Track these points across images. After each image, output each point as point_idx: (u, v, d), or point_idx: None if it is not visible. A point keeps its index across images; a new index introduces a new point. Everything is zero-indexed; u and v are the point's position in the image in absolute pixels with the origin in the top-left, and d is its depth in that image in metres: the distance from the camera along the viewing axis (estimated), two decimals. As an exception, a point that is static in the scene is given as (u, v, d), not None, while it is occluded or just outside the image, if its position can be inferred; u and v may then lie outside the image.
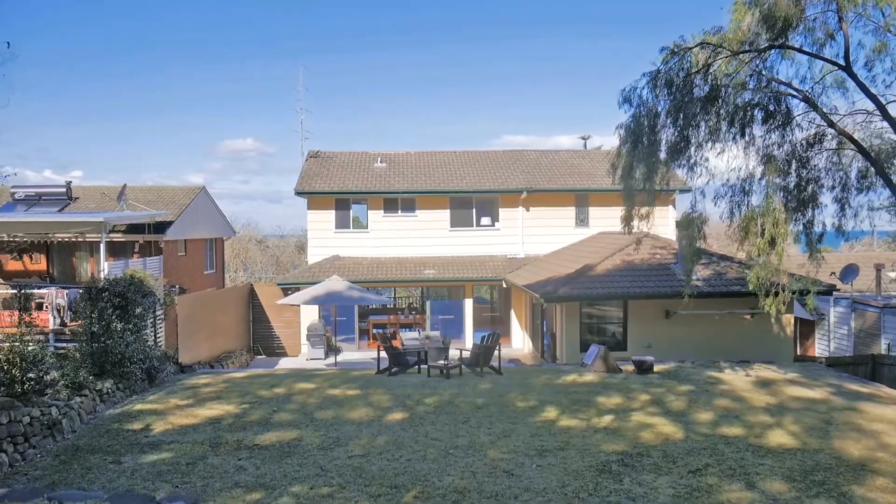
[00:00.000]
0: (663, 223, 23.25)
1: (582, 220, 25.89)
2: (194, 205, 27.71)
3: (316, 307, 23.81)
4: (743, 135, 11.84)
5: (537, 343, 22.65)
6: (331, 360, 22.60)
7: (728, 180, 12.38)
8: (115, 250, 24.53)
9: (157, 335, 16.46)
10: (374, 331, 26.39)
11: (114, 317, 12.80)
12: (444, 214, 25.32)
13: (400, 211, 25.27)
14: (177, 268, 25.54)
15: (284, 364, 22.07)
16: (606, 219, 25.55)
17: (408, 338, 21.55)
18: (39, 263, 24.75)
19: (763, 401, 12.49)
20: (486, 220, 25.69)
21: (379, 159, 27.45)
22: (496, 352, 15.48)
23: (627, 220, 15.48)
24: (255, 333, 24.18)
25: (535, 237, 25.45)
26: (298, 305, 23.93)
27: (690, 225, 14.00)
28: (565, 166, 27.34)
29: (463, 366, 15.21)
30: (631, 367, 15.70)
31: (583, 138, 31.50)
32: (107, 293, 12.88)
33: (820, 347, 23.53)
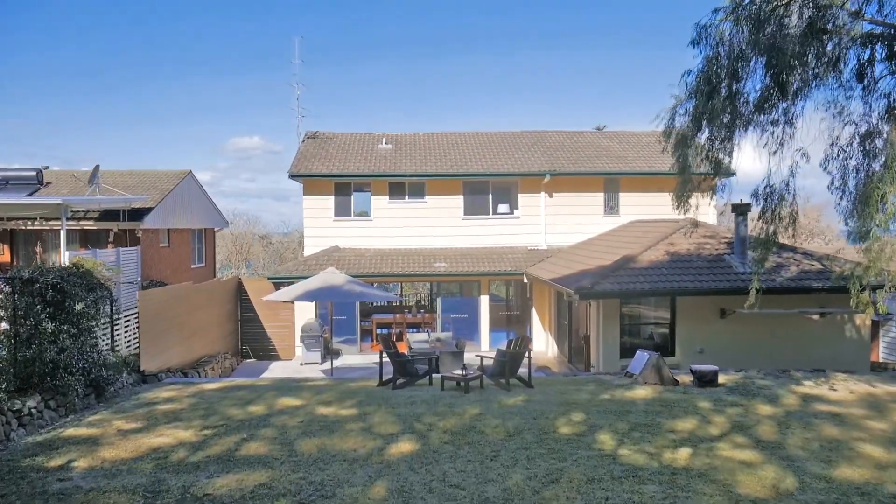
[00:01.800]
0: (702, 215, 20.39)
1: (612, 208, 23.04)
2: (179, 191, 25.02)
3: (312, 305, 21.08)
4: (861, 78, 9.02)
5: (563, 346, 19.85)
6: (328, 365, 19.85)
7: (837, 139, 9.52)
8: (89, 240, 21.86)
9: (115, 338, 13.74)
10: (378, 331, 23.66)
11: (44, 315, 10.08)
12: (457, 201, 22.54)
13: (407, 197, 22.50)
14: (158, 260, 22.84)
15: (275, 369, 19.33)
16: (639, 206, 22.75)
17: (416, 340, 18.81)
18: (3, 255, 22.12)
19: (878, 427, 9.65)
20: (503, 208, 22.89)
21: (384, 140, 24.68)
22: (525, 359, 12.70)
23: (681, 197, 12.70)
24: (244, 334, 21.47)
25: (558, 226, 22.63)
26: (292, 303, 21.20)
27: (769, 198, 11.18)
28: (591, 148, 24.50)
29: (485, 376, 12.44)
30: (688, 378, 12.89)
31: (598, 128, 28.55)
32: (37, 285, 10.15)
33: (885, 352, 20.63)
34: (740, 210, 16.04)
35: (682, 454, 8.34)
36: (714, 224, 19.60)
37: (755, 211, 11.82)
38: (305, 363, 19.77)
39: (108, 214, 21.26)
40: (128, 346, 14.47)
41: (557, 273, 17.85)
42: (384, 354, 12.62)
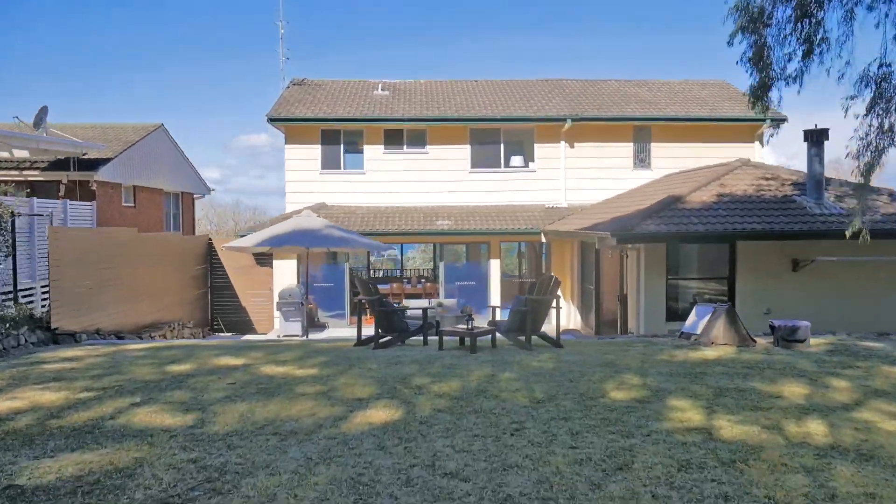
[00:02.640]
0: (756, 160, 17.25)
1: (642, 161, 19.89)
2: (147, 146, 22.02)
3: (293, 270, 18.05)
4: None
5: (589, 317, 16.76)
6: (312, 337, 16.81)
7: None
8: (36, 193, 18.93)
9: (18, 286, 10.74)
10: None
11: None
12: (464, 151, 19.44)
13: (406, 147, 19.42)
14: (120, 221, 19.83)
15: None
16: (674, 159, 19.56)
17: (413, 306, 15.74)
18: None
19: None
20: (517, 160, 19.78)
21: (380, 87, 21.61)
22: (553, 310, 9.65)
23: (759, 91, 9.60)
24: (216, 304, 18.48)
25: (580, 181, 19.51)
26: (270, 267, 18.20)
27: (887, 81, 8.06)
28: (617, 95, 21.34)
29: (498, 333, 9.40)
30: (764, 341, 9.78)
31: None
32: None
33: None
34: (815, 137, 12.88)
35: (815, 427, 5.24)
36: (771, 164, 16.44)
37: (862, 105, 8.68)
38: (284, 335, 16.74)
39: (59, 165, 18.32)
40: (45, 300, 11.50)
41: (583, 225, 14.74)
42: (364, 304, 9.57)
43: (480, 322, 16.47)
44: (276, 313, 16.94)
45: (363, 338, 9.71)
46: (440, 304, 14.93)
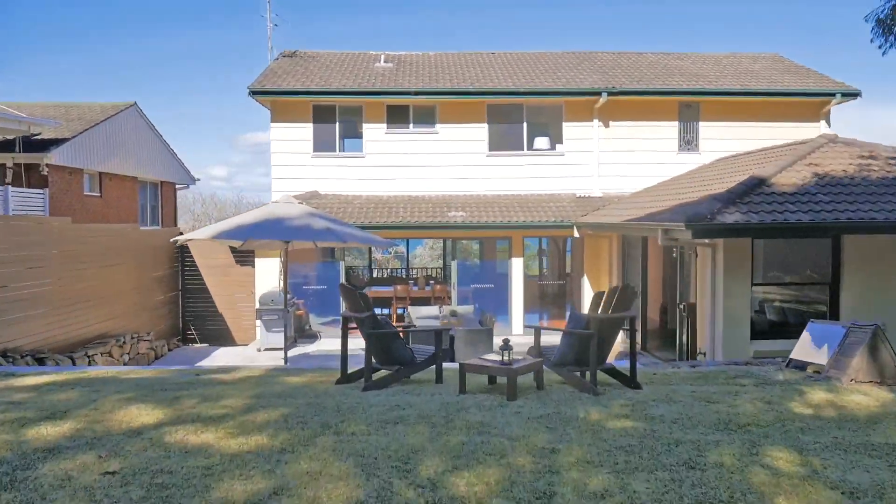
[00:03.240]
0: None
1: (688, 142, 16.98)
2: (116, 127, 19.26)
3: (276, 270, 15.24)
4: None
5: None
6: (300, 350, 14.03)
7: None
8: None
9: None
10: (374, 309, 17.80)
11: None
12: (480, 131, 16.58)
13: (412, 126, 16.58)
14: (82, 212, 17.08)
15: (219, 358, 13.53)
16: (726, 140, 16.66)
17: (420, 315, 12.94)
18: None
19: None
20: (542, 142, 16.91)
21: (382, 58, 18.75)
22: (624, 331, 6.83)
23: None
24: (188, 310, 15.68)
25: (617, 167, 16.62)
26: (252, 267, 15.39)
27: None
28: (657, 67, 18.43)
29: (547, 366, 6.59)
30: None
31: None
32: None
33: None
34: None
35: None
36: (864, 140, 13.46)
37: None
38: (266, 349, 13.96)
39: (5, 147, 15.58)
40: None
41: (630, 216, 11.87)
42: (349, 319, 6.78)
43: (501, 330, 13.64)
44: (258, 322, 14.13)
45: (348, 372, 6.89)
46: (454, 313, 12.09)
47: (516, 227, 14.84)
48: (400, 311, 17.19)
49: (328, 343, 14.92)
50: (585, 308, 15.81)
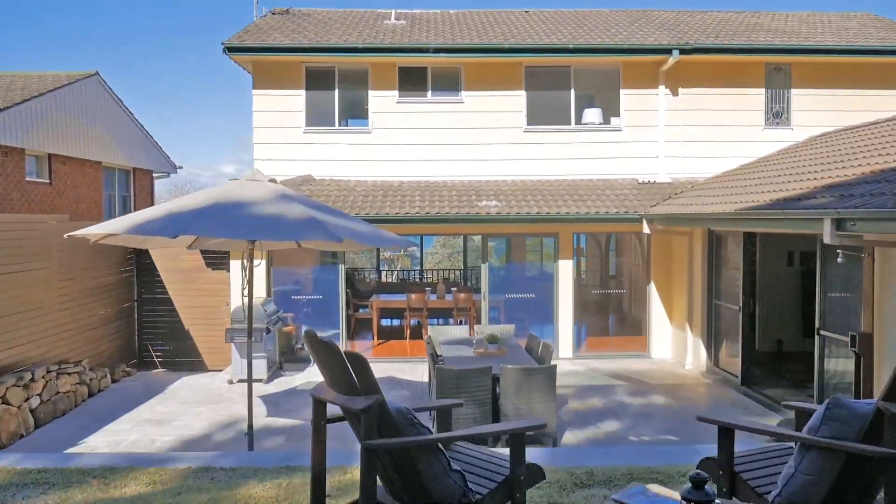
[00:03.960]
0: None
1: (777, 115, 13.50)
2: (68, 100, 15.96)
3: (262, 278, 11.89)
4: None
5: (727, 350, 10.55)
6: (286, 381, 10.71)
7: None
8: None
9: None
10: (382, 322, 14.59)
11: None
12: (516, 101, 13.17)
13: (431, 93, 13.19)
14: (22, 201, 13.80)
15: (175, 395, 10.18)
16: (823, 112, 13.23)
17: (445, 339, 9.57)
18: None
19: None
20: (593, 114, 13.48)
21: (393, 16, 15.34)
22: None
23: None
24: (146, 326, 12.31)
25: (687, 146, 13.18)
26: (227, 271, 12.04)
27: None
28: (731, 25, 14.95)
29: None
30: None
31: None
32: None
33: None
34: None
35: None
36: None
37: None
38: (239, 380, 10.62)
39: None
40: None
41: (720, 206, 8.44)
42: (325, 404, 3.32)
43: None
44: (233, 347, 10.74)
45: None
46: (493, 339, 8.65)
47: (567, 220, 11.42)
48: (414, 323, 13.87)
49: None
50: (652, 314, 12.39)
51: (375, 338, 14.00)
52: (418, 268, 22.05)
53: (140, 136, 19.17)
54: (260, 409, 9.12)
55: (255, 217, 5.93)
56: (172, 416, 8.80)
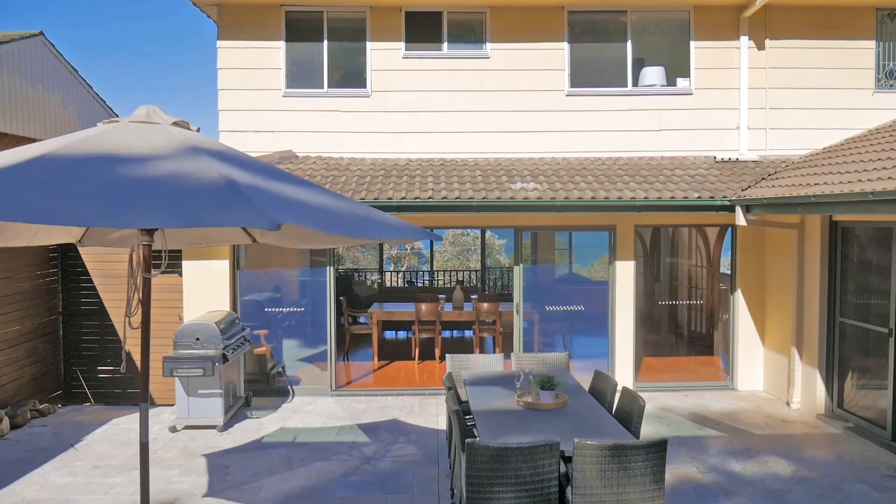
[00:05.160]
0: None
1: (890, 75, 10.49)
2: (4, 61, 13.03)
3: (224, 278, 9.03)
4: None
5: (859, 386, 7.62)
6: (249, 430, 7.80)
7: None
8: None
9: None
10: (386, 335, 11.83)
11: None
12: (556, 56, 10.24)
13: (447, 45, 10.30)
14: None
15: (96, 449, 7.26)
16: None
17: (471, 378, 6.63)
18: None
19: None
20: (654, 74, 10.53)
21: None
22: None
23: None
24: (72, 347, 9.41)
25: (777, 114, 10.20)
26: (179, 274, 9.16)
27: None
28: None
29: None
30: None
31: None
32: None
33: None
34: None
35: None
36: None
37: None
38: (186, 426, 7.73)
39: None
40: None
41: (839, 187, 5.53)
42: None
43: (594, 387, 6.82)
44: (177, 380, 7.80)
45: None
46: (548, 382, 5.71)
47: (633, 208, 8.48)
48: (425, 338, 11.01)
49: (306, 404, 8.69)
50: (739, 331, 9.45)
51: (376, 358, 11.12)
52: (427, 267, 19.15)
53: (98, 108, 16.30)
54: (199, 479, 6.24)
55: (128, 186, 3.03)
56: (66, 498, 5.92)
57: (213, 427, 7.66)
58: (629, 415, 5.39)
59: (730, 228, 9.81)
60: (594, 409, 5.60)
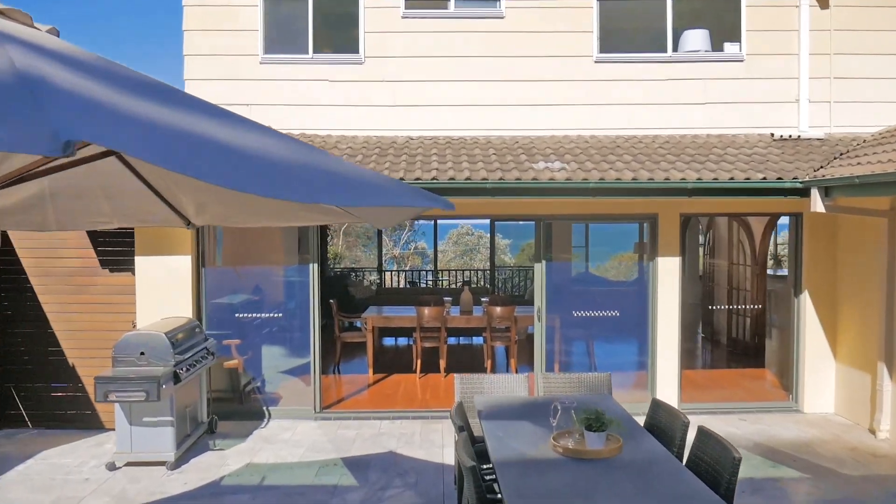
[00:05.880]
0: None
1: (976, 40, 8.94)
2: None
3: (186, 275, 7.48)
4: None
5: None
6: (209, 468, 6.20)
7: None
8: None
9: None
10: (385, 342, 10.33)
11: None
12: (583, 16, 8.69)
13: (454, 1, 8.76)
14: None
15: (9, 490, 5.70)
16: None
17: (492, 407, 5.02)
18: None
19: None
20: (697, 38, 8.97)
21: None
22: None
23: None
24: (6, 358, 7.89)
25: (843, 85, 8.62)
26: (131, 272, 7.62)
27: None
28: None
29: None
30: None
31: None
32: None
33: None
34: None
35: None
36: None
37: None
38: (129, 463, 6.18)
39: None
40: None
41: None
42: None
43: (635, 404, 5.22)
44: (115, 405, 6.26)
45: None
46: (597, 423, 4.19)
47: (681, 190, 6.91)
48: (427, 347, 9.50)
49: (284, 430, 7.15)
50: (806, 342, 7.86)
51: (371, 371, 9.57)
52: (431, 267, 17.61)
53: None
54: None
55: None
56: None
57: (164, 464, 6.11)
58: (716, 469, 3.83)
59: (788, 219, 8.24)
60: (660, 458, 4.03)
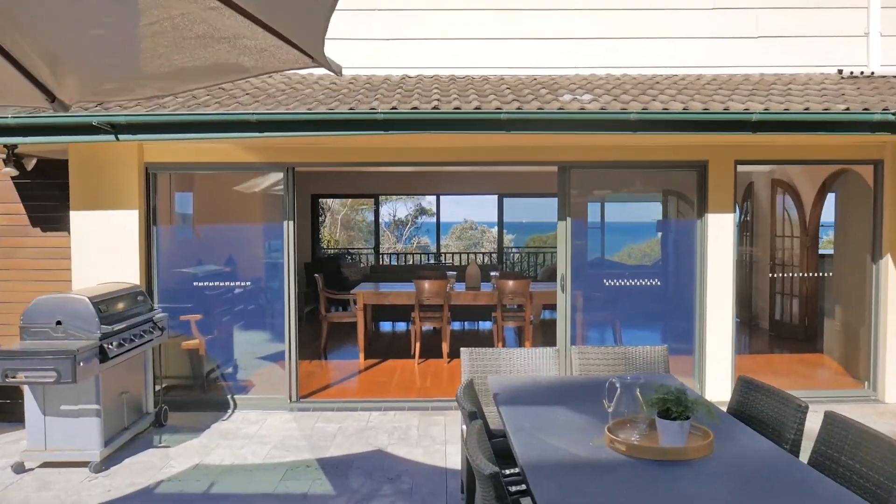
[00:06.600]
0: None
1: None
2: None
3: (132, 237, 6.11)
4: None
5: None
6: (143, 468, 4.81)
7: None
8: None
9: None
10: (382, 327, 8.89)
11: None
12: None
13: (458, -85, 7.44)
14: None
15: None
16: None
17: (510, 390, 3.60)
18: None
19: None
20: (746, -37, 7.63)
21: None
22: None
23: None
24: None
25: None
26: (66, 231, 6.27)
27: None
28: None
29: None
30: None
31: None
32: None
33: None
34: None
35: None
36: None
37: None
38: (44, 464, 4.82)
39: None
40: None
41: None
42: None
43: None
44: (26, 392, 4.93)
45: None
46: (678, 408, 2.86)
47: (745, 124, 5.52)
48: (427, 330, 8.16)
49: (251, 423, 5.79)
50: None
51: (362, 356, 8.22)
52: (434, 251, 16.23)
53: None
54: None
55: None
56: None
57: (87, 465, 4.76)
58: (870, 477, 2.46)
59: (837, 180, 6.87)
60: (772, 457, 2.66)
